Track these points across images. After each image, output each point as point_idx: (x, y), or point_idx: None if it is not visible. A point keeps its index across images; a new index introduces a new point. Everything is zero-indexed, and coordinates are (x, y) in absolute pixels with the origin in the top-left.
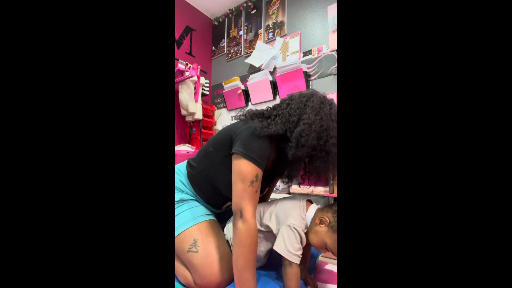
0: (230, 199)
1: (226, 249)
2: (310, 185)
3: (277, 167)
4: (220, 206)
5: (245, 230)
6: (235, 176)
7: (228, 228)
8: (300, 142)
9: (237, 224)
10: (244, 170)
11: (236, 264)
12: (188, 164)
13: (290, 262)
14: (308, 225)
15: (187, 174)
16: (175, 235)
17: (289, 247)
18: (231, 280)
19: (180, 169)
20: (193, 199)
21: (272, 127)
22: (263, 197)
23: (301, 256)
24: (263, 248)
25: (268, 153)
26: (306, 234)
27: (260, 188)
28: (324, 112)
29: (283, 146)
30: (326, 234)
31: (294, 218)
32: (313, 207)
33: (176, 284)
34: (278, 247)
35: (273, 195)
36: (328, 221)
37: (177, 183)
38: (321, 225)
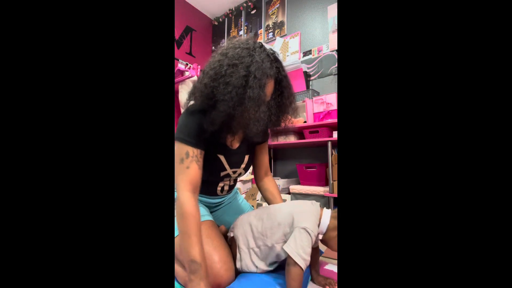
0: (216, 182)
1: (224, 250)
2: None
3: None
4: (214, 193)
5: (176, 206)
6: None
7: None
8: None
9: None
10: (176, 152)
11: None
12: None
13: (295, 262)
14: (324, 231)
15: None
16: (175, 236)
17: (299, 249)
18: (230, 281)
19: None
20: None
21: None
22: (258, 167)
23: (309, 262)
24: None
25: (203, 125)
26: (325, 242)
27: (193, 164)
28: (229, 53)
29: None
30: None
31: (309, 222)
32: (327, 213)
33: (176, 284)
34: (288, 248)
35: None
36: None
37: None
38: None
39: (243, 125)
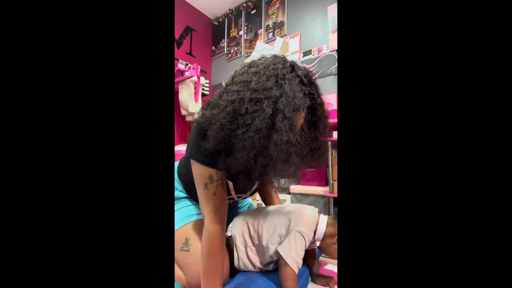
0: None
1: None
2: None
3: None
4: None
5: (203, 237)
6: (195, 181)
7: (234, 225)
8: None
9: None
10: (196, 174)
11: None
12: (179, 162)
13: (286, 263)
14: (320, 237)
15: (177, 172)
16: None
17: (293, 252)
18: (225, 279)
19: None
20: (185, 197)
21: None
22: (265, 194)
23: (301, 265)
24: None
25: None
26: (322, 249)
27: (219, 188)
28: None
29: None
30: None
31: (305, 227)
32: (323, 220)
33: (176, 284)
34: (282, 250)
35: None
36: None
37: None
38: None
39: (266, 174)
